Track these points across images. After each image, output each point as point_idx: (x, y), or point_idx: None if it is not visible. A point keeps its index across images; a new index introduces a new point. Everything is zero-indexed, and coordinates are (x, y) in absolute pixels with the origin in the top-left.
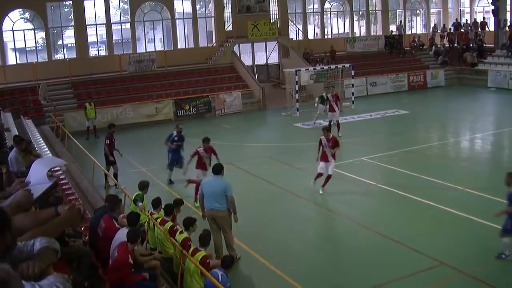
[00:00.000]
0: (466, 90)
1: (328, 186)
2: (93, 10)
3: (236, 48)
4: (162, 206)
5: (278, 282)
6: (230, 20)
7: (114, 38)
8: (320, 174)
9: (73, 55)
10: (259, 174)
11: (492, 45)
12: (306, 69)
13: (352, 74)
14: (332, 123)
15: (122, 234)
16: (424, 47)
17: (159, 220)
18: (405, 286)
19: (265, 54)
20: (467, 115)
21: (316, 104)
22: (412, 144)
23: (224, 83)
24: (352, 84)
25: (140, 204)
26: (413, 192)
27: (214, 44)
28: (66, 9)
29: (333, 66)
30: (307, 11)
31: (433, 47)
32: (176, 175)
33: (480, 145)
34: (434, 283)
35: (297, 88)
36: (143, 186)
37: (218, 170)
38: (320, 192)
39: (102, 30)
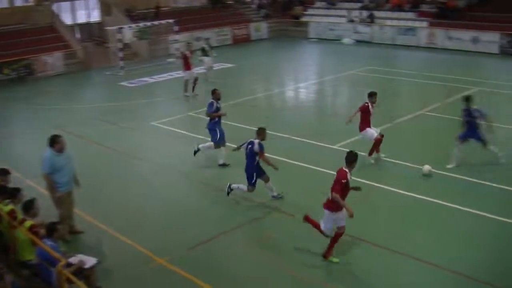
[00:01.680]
0: (289, 42)
1: (159, 143)
2: None
3: (56, 7)
4: None
5: (118, 244)
6: None
7: None
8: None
9: None
10: (90, 137)
11: None
12: (129, 27)
13: (176, 29)
14: (190, 81)
15: None
16: (246, 0)
17: None
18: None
19: (87, 12)
20: (290, 66)
21: (200, 59)
22: (238, 97)
23: (45, 44)
24: (177, 40)
25: None
26: (240, 143)
27: (31, 3)
28: None
29: (156, 22)
30: None
31: (256, 0)
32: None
33: (304, 94)
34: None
35: (120, 47)
36: None
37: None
38: None
39: None
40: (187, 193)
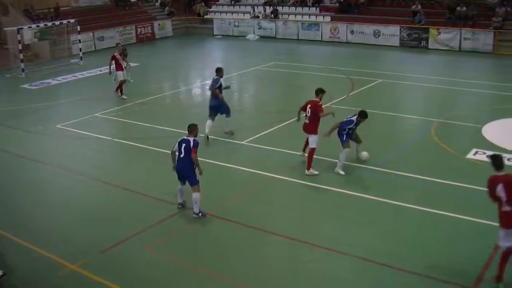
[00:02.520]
0: (194, 39)
1: (65, 146)
2: None
3: None
4: None
5: (25, 253)
6: None
7: None
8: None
9: None
10: None
11: None
12: (28, 27)
13: (78, 29)
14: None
15: None
16: None
17: None
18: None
19: None
20: (196, 63)
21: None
22: (145, 96)
23: None
24: (79, 40)
25: None
26: (149, 143)
27: None
28: None
29: (57, 22)
30: None
31: None
32: None
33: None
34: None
35: (20, 48)
36: None
37: None
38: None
39: None
40: (96, 195)
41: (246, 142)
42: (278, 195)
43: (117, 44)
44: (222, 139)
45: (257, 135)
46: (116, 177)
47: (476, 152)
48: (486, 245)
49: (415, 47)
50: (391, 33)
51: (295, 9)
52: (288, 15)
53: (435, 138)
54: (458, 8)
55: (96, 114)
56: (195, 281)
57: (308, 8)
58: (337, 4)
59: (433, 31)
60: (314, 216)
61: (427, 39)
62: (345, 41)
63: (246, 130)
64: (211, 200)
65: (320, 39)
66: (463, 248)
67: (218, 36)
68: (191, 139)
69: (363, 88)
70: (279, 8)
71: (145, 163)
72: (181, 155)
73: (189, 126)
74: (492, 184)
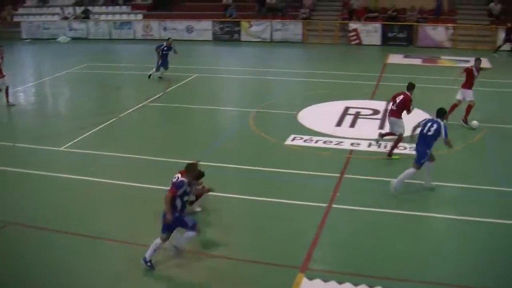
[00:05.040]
0: (3, 44)
1: None
2: None
3: None
4: None
5: None
6: None
7: None
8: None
9: None
10: None
11: None
12: None
13: None
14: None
15: None
16: None
17: None
18: None
19: None
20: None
21: None
22: None
23: None
24: None
25: None
26: None
27: None
28: None
29: None
30: None
31: None
32: None
33: (23, 97)
34: None
35: None
36: None
37: None
38: None
39: None
40: None
41: (64, 148)
42: (109, 200)
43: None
44: (36, 146)
45: (75, 140)
46: None
47: (294, 138)
48: (311, 225)
49: (228, 40)
50: (204, 28)
51: (107, 8)
52: (100, 14)
53: (253, 128)
54: (268, 1)
55: None
56: None
57: (119, 7)
58: (149, 2)
59: (244, 24)
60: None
61: (239, 32)
62: (159, 38)
63: (62, 135)
64: (42, 215)
65: (133, 37)
66: (289, 230)
67: (27, 40)
68: (180, 178)
69: (179, 84)
70: (90, 8)
71: None
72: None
73: (187, 166)
74: None
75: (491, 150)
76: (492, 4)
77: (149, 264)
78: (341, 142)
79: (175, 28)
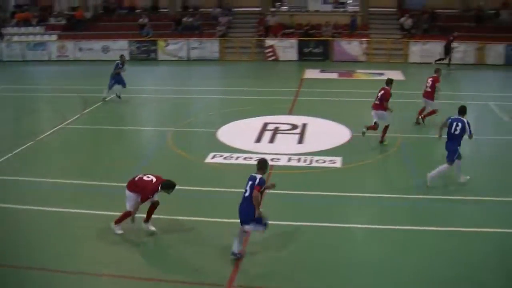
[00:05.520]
0: None
1: None
2: None
3: None
4: None
5: None
6: None
7: None
8: None
9: None
10: None
11: None
12: None
13: None
14: None
15: None
16: None
17: None
18: None
19: None
20: None
21: None
22: None
23: None
24: None
25: None
26: None
27: None
28: None
29: None
30: None
31: None
32: None
33: None
34: None
35: None
36: None
37: None
38: None
39: None
40: None
41: None
42: (37, 227)
43: None
44: None
45: None
46: None
47: (214, 156)
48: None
49: (145, 59)
50: (120, 47)
51: (19, 29)
52: (12, 35)
53: (173, 147)
54: (184, 19)
55: None
56: None
57: (33, 27)
58: (63, 22)
59: (161, 42)
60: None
61: (156, 51)
62: (74, 59)
63: None
64: None
65: (48, 58)
66: (213, 247)
67: None
68: (259, 176)
69: (96, 104)
70: (2, 29)
71: None
72: (246, 194)
73: (258, 162)
74: None
75: (407, 160)
76: (403, 19)
77: (238, 255)
78: None
79: (91, 48)
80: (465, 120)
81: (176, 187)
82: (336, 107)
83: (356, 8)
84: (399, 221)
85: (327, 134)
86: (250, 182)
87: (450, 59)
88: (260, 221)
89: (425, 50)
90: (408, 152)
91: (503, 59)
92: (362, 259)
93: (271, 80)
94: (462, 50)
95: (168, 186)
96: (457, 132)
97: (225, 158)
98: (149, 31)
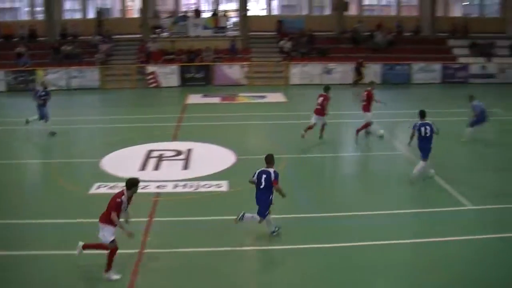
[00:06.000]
0: None
1: None
2: None
3: None
4: None
5: None
6: None
7: None
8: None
9: None
10: None
11: None
12: None
13: None
14: None
15: None
16: None
17: None
18: None
19: None
20: None
21: None
22: None
23: None
24: None
25: None
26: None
27: None
28: None
29: None
30: None
31: None
32: None
33: None
34: None
35: None
36: None
37: None
38: None
39: None
40: None
41: None
42: None
43: None
44: None
45: None
46: None
47: (99, 186)
48: (124, 272)
49: (24, 90)
50: None
51: None
52: None
53: (57, 179)
54: (63, 48)
55: None
56: None
57: None
58: None
59: (40, 72)
60: None
61: (35, 81)
62: None
63: None
64: None
65: None
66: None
67: None
68: (272, 170)
69: None
70: None
71: None
72: (261, 186)
73: (268, 156)
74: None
75: (293, 180)
76: (282, 42)
77: (277, 230)
78: (146, 186)
79: None
80: (430, 122)
81: (61, 221)
82: (220, 131)
83: (236, 33)
84: (286, 241)
85: (212, 158)
86: (264, 176)
87: (356, 81)
88: (266, 208)
89: (305, 72)
90: (293, 172)
91: (380, 77)
92: (245, 281)
93: (153, 107)
94: (341, 71)
95: (133, 183)
96: (428, 134)
97: (110, 187)
98: (27, 61)
